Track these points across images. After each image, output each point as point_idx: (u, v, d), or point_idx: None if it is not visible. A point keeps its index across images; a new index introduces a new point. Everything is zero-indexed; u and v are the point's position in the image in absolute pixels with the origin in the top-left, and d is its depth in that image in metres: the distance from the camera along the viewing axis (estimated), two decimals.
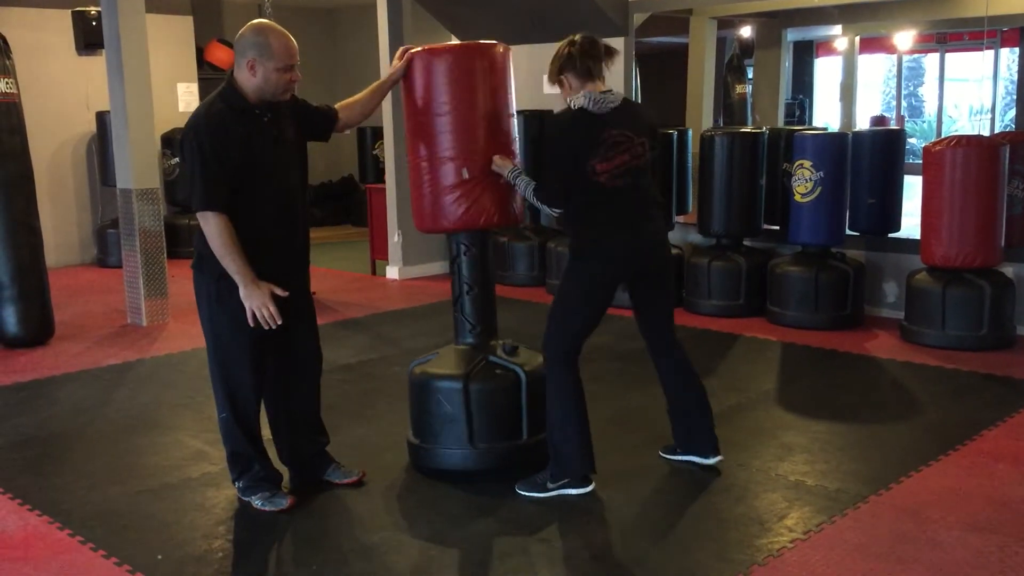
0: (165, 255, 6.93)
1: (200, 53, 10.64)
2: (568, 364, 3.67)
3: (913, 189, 6.95)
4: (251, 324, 3.41)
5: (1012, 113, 15.49)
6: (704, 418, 3.92)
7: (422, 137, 3.79)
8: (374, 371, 5.62)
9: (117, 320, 7.01)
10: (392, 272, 8.55)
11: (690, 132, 7.61)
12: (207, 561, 3.28)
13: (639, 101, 8.71)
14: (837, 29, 14.00)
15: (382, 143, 8.99)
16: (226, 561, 3.29)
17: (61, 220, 9.55)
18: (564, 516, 3.55)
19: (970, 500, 3.64)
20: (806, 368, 5.60)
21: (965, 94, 16.58)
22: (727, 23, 12.95)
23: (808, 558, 3.20)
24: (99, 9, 7.04)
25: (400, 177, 8.27)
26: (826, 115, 16.00)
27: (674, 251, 6.77)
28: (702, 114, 11.98)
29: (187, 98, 10.30)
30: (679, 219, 7.47)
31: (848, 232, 6.66)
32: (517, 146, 3.92)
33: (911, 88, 18.54)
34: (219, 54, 10.67)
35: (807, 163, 6.28)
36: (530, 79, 7.68)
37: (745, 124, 12.39)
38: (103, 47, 7.00)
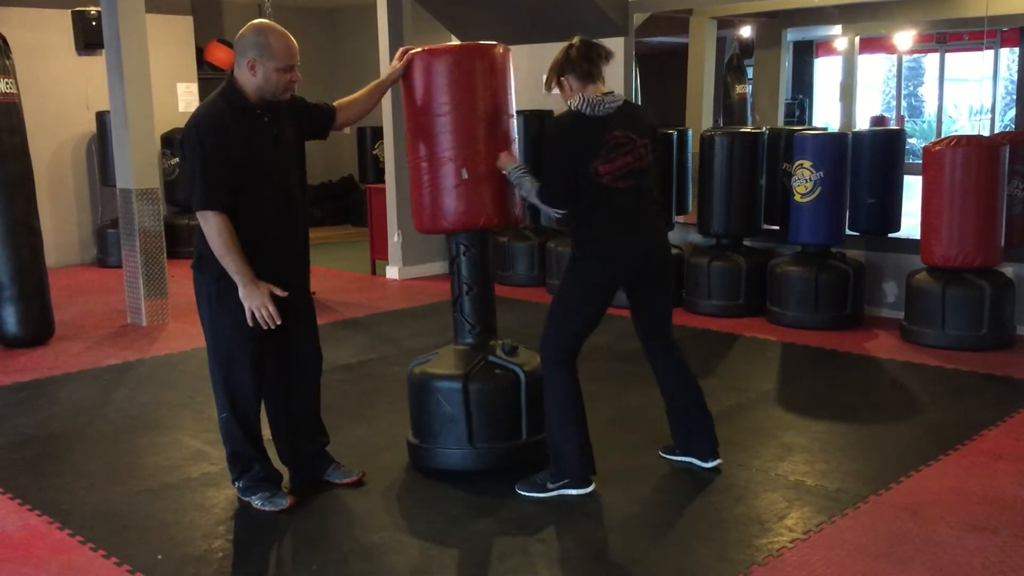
0: (165, 255, 6.93)
1: (200, 53, 10.64)
2: (566, 365, 3.67)
3: (913, 189, 6.95)
4: (250, 324, 3.41)
5: (1012, 113, 15.49)
6: (703, 420, 3.92)
7: (422, 137, 3.79)
8: (374, 371, 5.62)
9: (117, 320, 7.01)
10: (392, 272, 8.55)
11: (690, 132, 7.61)
12: (207, 561, 3.28)
13: (639, 101, 8.72)
14: (837, 29, 14.00)
15: (382, 143, 8.99)
16: (226, 561, 3.29)
17: (61, 220, 9.55)
18: (564, 516, 3.55)
19: (970, 500, 3.64)
20: (806, 368, 5.60)
21: (965, 94, 16.58)
22: (727, 23, 12.95)
23: (808, 558, 3.20)
24: (99, 9, 7.04)
25: (400, 177, 8.27)
26: (826, 115, 16.00)
27: (674, 251, 6.80)
28: (702, 114, 11.98)
29: (187, 98, 10.30)
30: (679, 219, 7.47)
31: (848, 232, 6.66)
32: (516, 147, 3.92)
33: (911, 88, 18.54)
34: (219, 54, 10.68)
35: (807, 163, 6.28)
36: (530, 79, 7.66)
37: (745, 124, 12.39)
38: (103, 47, 7.00)
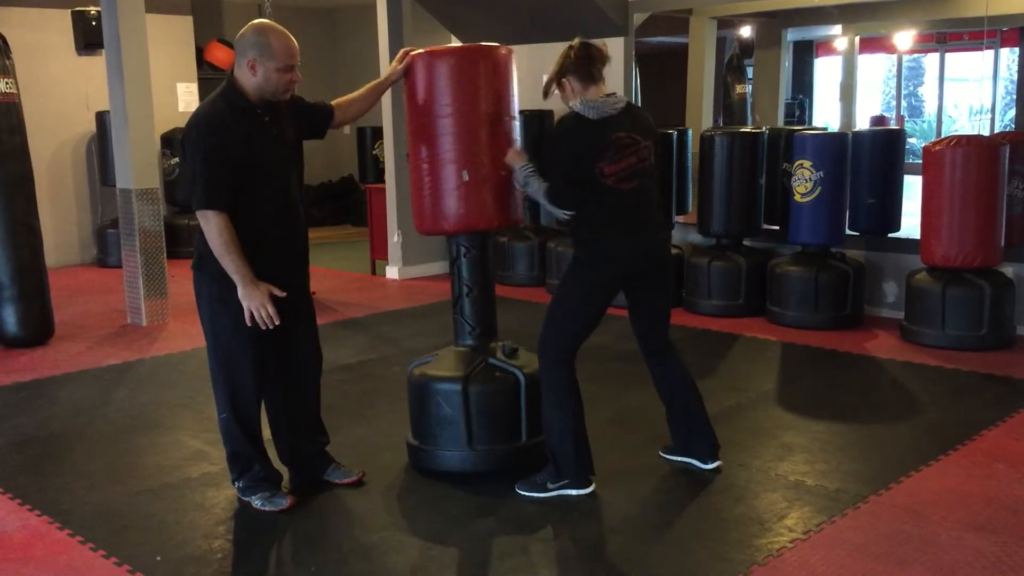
0: (165, 255, 6.93)
1: (200, 53, 10.64)
2: (565, 365, 3.67)
3: (913, 189, 6.95)
4: (249, 324, 3.41)
5: (1012, 113, 15.48)
6: (702, 421, 3.92)
7: (423, 139, 3.78)
8: (374, 371, 5.62)
9: (117, 320, 7.01)
10: (392, 272, 8.55)
11: (690, 132, 7.61)
12: (207, 561, 3.28)
13: (639, 101, 8.72)
14: (837, 29, 13.99)
15: (382, 143, 8.99)
16: (226, 561, 3.29)
17: (61, 220, 9.55)
18: (564, 516, 3.55)
19: (970, 500, 3.64)
20: (806, 368, 5.60)
21: (965, 94, 16.57)
22: (727, 23, 12.94)
23: (808, 558, 3.20)
24: (99, 9, 7.04)
25: (400, 177, 8.27)
26: (826, 115, 15.99)
27: (674, 251, 6.81)
28: (702, 114, 11.97)
29: (187, 98, 10.30)
30: (679, 219, 7.47)
31: (848, 232, 6.66)
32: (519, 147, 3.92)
33: (911, 88, 18.53)
34: (219, 54, 10.68)
35: (807, 163, 6.28)
36: (530, 79, 7.66)
37: (745, 124, 12.38)
38: (103, 47, 7.00)
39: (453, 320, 3.99)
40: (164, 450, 4.36)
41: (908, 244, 6.53)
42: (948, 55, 15.76)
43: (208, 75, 10.51)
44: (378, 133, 10.01)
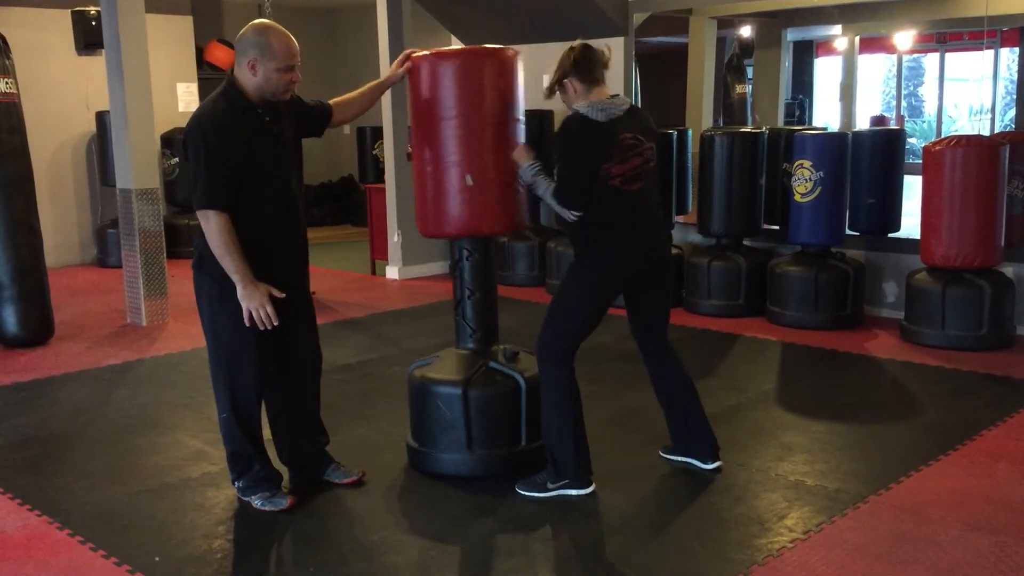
0: (165, 255, 6.93)
1: (200, 53, 10.64)
2: (564, 365, 3.67)
3: (913, 189, 6.95)
4: (247, 324, 3.41)
5: (1012, 113, 15.49)
6: (702, 421, 3.93)
7: (427, 141, 3.75)
8: (374, 371, 5.62)
9: (117, 320, 7.01)
10: (392, 272, 8.55)
11: (690, 132, 7.61)
12: (207, 561, 3.28)
13: (639, 101, 8.72)
14: (837, 29, 14.00)
15: (382, 143, 8.99)
16: (226, 561, 3.29)
17: (61, 220, 9.55)
18: (564, 516, 3.55)
19: (970, 500, 3.64)
20: (806, 368, 5.60)
21: (965, 94, 16.57)
22: (727, 23, 12.95)
23: (808, 558, 3.20)
24: (99, 9, 7.04)
25: (400, 177, 8.27)
26: (826, 115, 15.99)
27: (674, 251, 6.80)
28: (702, 114, 11.98)
29: (187, 98, 10.30)
30: (679, 219, 7.47)
31: (848, 232, 6.66)
32: None
33: (911, 88, 18.54)
34: (219, 54, 10.68)
35: (807, 163, 6.28)
36: (530, 79, 7.63)
37: (745, 124, 12.38)
38: (103, 47, 7.00)
39: (455, 322, 3.99)
40: (164, 450, 4.36)
41: (908, 244, 6.53)
42: (948, 55, 15.77)
43: (208, 75, 10.51)
44: (378, 133, 10.00)
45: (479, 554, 3.32)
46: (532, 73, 7.65)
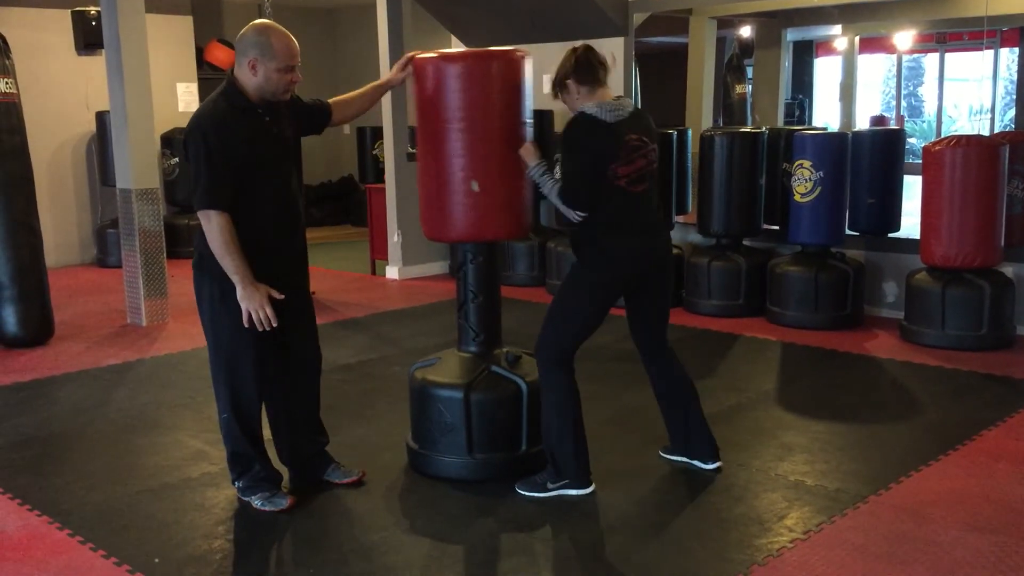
0: (165, 255, 6.93)
1: (200, 53, 10.64)
2: (565, 366, 3.67)
3: (913, 189, 6.95)
4: (246, 325, 3.41)
5: (1012, 113, 15.48)
6: (701, 422, 3.93)
7: (433, 145, 3.71)
8: (374, 371, 5.62)
9: (117, 320, 7.01)
10: (392, 272, 8.55)
11: (690, 132, 7.61)
12: (207, 561, 3.28)
13: (639, 101, 8.71)
14: (837, 29, 13.99)
15: (382, 143, 8.99)
16: (226, 561, 3.29)
17: (61, 220, 9.55)
18: (564, 516, 3.56)
19: (970, 500, 3.64)
20: (806, 368, 5.60)
21: (965, 94, 16.57)
22: (727, 23, 12.94)
23: (808, 558, 3.20)
24: (99, 9, 7.03)
25: (400, 177, 8.27)
26: (826, 115, 15.99)
27: (674, 251, 6.80)
28: (702, 114, 11.97)
29: (187, 98, 10.30)
30: (679, 219, 7.47)
31: (848, 232, 6.66)
32: None
33: (911, 88, 18.53)
34: (219, 54, 10.68)
35: (807, 163, 6.29)
36: (530, 79, 7.67)
37: (745, 124, 12.38)
38: (103, 47, 7.00)
39: (457, 324, 3.98)
40: (164, 450, 4.36)
41: (908, 244, 6.53)
42: (948, 55, 15.76)
43: (208, 75, 10.51)
44: (378, 133, 10.00)
45: (479, 554, 3.32)
46: (533, 73, 7.67)
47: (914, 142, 15.19)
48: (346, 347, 6.09)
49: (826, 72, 16.44)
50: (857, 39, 14.53)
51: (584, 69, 3.62)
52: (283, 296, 3.45)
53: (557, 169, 3.67)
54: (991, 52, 14.60)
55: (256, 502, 3.64)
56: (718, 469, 3.92)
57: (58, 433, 4.65)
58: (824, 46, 15.94)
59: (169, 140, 9.71)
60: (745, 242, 6.98)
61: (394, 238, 8.43)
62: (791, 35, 13.99)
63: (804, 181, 6.30)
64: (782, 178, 6.95)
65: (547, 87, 3.84)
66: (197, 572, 3.20)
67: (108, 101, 6.91)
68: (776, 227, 7.07)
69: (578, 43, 3.71)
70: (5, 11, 8.91)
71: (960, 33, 14.71)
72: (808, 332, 6.23)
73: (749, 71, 13.59)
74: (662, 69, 14.09)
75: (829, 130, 7.80)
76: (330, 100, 3.81)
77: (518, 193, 3.80)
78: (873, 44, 15.71)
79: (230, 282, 3.40)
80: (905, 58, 16.97)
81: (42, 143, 8.90)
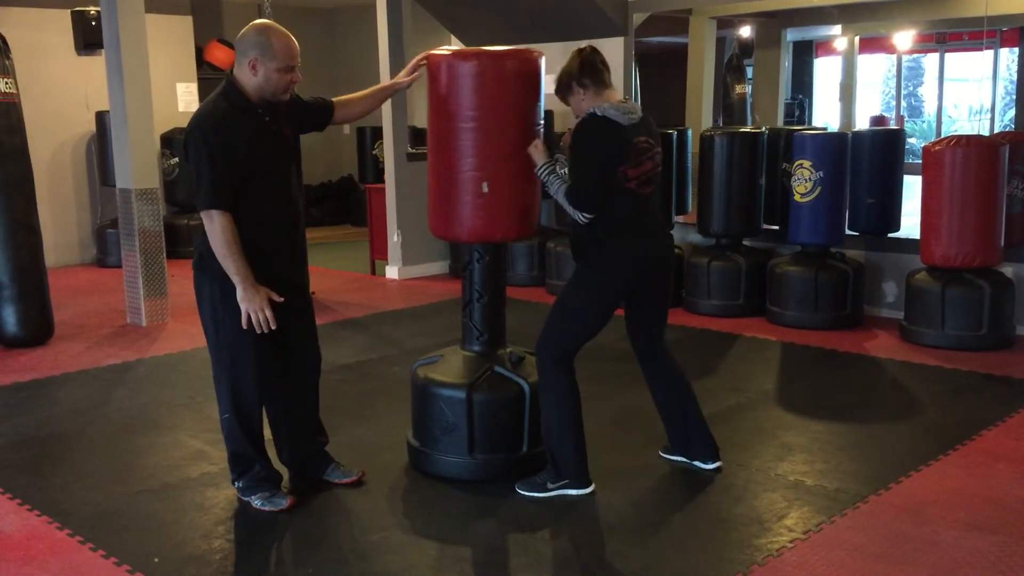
0: (164, 255, 6.92)
1: (200, 53, 10.64)
2: (565, 366, 3.67)
3: (913, 189, 6.95)
4: (244, 327, 3.41)
5: (1012, 113, 15.48)
6: (700, 423, 3.93)
7: (444, 145, 3.70)
8: (374, 371, 5.62)
9: (117, 320, 7.01)
10: (392, 272, 8.55)
11: (690, 132, 7.61)
12: (207, 561, 3.28)
13: (639, 101, 8.71)
14: (837, 29, 13.99)
15: (381, 143, 8.99)
16: (226, 561, 3.29)
17: (61, 220, 9.55)
18: (564, 516, 3.56)
19: (970, 500, 3.64)
20: (806, 368, 5.60)
21: (965, 94, 16.57)
22: (727, 23, 12.94)
23: (807, 558, 3.21)
24: (99, 9, 7.03)
25: (400, 177, 8.27)
26: (826, 115, 15.98)
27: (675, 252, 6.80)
28: (702, 114, 11.96)
29: (187, 98, 10.30)
30: (679, 219, 7.47)
31: (848, 232, 6.66)
32: None
33: (911, 88, 18.53)
34: (218, 54, 10.68)
35: (807, 163, 6.29)
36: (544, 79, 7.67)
37: (745, 124, 12.38)
38: (103, 47, 6.99)
39: (462, 323, 3.97)
40: (164, 450, 4.36)
41: (908, 244, 6.53)
42: (948, 55, 15.76)
43: (208, 75, 10.51)
44: (378, 133, 10.00)
45: (479, 554, 3.32)
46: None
47: (914, 142, 15.19)
48: (346, 347, 6.09)
49: (826, 72, 16.44)
50: (857, 39, 14.53)
51: (590, 70, 3.61)
52: (283, 299, 3.45)
53: (560, 168, 3.67)
54: (991, 52, 14.59)
55: (256, 502, 3.64)
56: (718, 469, 3.92)
57: (58, 433, 4.65)
58: (824, 46, 15.94)
59: (169, 140, 9.71)
60: (745, 242, 6.98)
61: (394, 238, 8.43)
62: (791, 35, 13.99)
63: (804, 181, 6.30)
64: (782, 178, 6.95)
65: (548, 87, 3.82)
66: (197, 572, 3.20)
67: (108, 101, 6.91)
68: (776, 227, 7.07)
69: (583, 44, 3.70)
70: (5, 11, 8.91)
71: (960, 33, 14.70)
72: (808, 332, 6.23)
73: (749, 71, 13.59)
74: (662, 69, 14.09)
75: (829, 130, 7.79)
76: (334, 99, 3.81)
77: (528, 194, 3.79)
78: (873, 44, 15.71)
79: (231, 282, 3.40)
80: (905, 58, 16.97)
81: (42, 143, 8.90)
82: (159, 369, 5.74)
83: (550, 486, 3.69)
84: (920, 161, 6.26)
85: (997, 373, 5.29)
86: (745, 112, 13.10)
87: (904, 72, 17.58)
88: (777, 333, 6.27)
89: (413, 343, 6.17)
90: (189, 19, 10.41)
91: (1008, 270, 5.97)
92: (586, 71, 3.61)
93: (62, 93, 9.44)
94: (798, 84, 15.83)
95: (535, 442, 3.81)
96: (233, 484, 3.73)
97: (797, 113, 15.01)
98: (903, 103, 17.87)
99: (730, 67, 13.14)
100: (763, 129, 7.11)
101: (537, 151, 3.69)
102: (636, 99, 8.71)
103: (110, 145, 7.68)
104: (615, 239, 3.62)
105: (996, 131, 12.99)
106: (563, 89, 3.67)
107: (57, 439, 4.57)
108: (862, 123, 14.66)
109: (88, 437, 4.58)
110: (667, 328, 3.95)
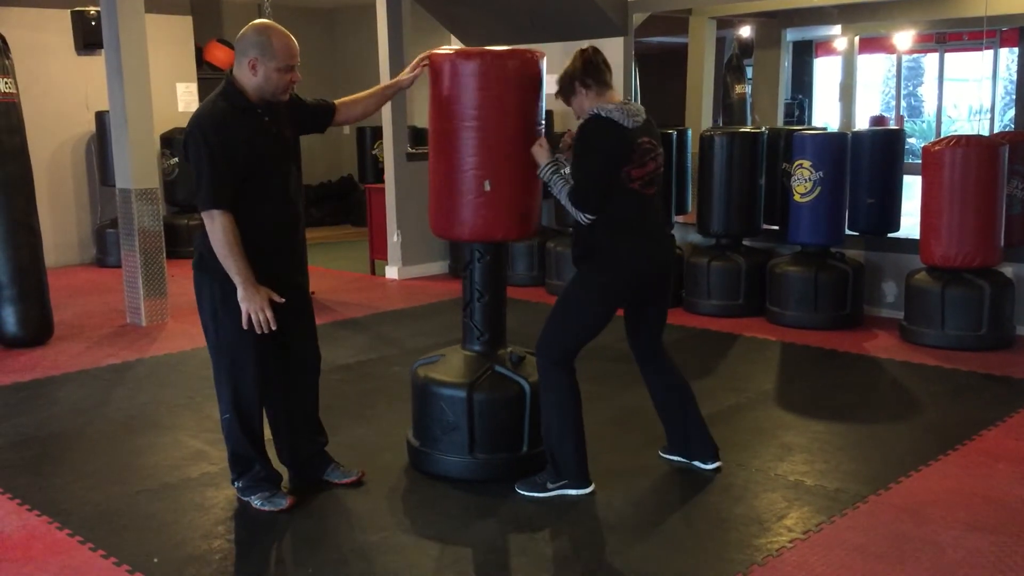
0: (164, 255, 6.92)
1: (199, 53, 10.64)
2: (566, 366, 3.66)
3: (913, 189, 6.95)
4: (245, 327, 3.41)
5: (1011, 113, 15.48)
6: (700, 423, 3.93)
7: (446, 144, 3.70)
8: (373, 371, 5.62)
9: (116, 320, 7.01)
10: (391, 272, 8.55)
11: (690, 132, 7.62)
12: (207, 561, 3.28)
13: (638, 101, 8.72)
14: (837, 29, 13.99)
15: (381, 143, 8.99)
16: (225, 561, 3.29)
17: (61, 220, 9.55)
18: (564, 516, 3.56)
19: (970, 500, 3.64)
20: (806, 368, 5.60)
21: (964, 94, 16.57)
22: (727, 23, 12.94)
23: (807, 558, 3.21)
24: (99, 9, 7.04)
25: (399, 177, 8.27)
26: (825, 115, 15.99)
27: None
28: (702, 114, 11.96)
29: (186, 98, 10.30)
30: (679, 219, 7.47)
31: (848, 232, 6.66)
32: None
33: (910, 88, 18.53)
34: (218, 54, 10.68)
35: (806, 163, 6.29)
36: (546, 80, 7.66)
37: (745, 124, 12.38)
38: (103, 47, 6.99)
39: (462, 323, 3.97)
40: (164, 450, 4.36)
41: (908, 244, 6.53)
42: (948, 55, 15.76)
43: (208, 75, 10.51)
44: (378, 133, 10.00)
45: (479, 554, 3.31)
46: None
47: (914, 142, 15.19)
48: (346, 347, 6.09)
49: (826, 72, 16.44)
50: (857, 39, 14.53)
51: (593, 70, 3.61)
52: (284, 300, 3.45)
53: (563, 168, 3.67)
54: (991, 52, 14.60)
55: (256, 502, 3.64)
56: (718, 469, 3.92)
57: (58, 433, 4.65)
58: (824, 46, 15.94)
59: (169, 140, 9.71)
60: (745, 242, 6.98)
61: (394, 238, 8.43)
62: (791, 35, 13.99)
63: (804, 181, 6.30)
64: (782, 178, 6.95)
65: (549, 88, 3.82)
66: (197, 572, 3.20)
67: (108, 101, 6.91)
68: (776, 227, 7.07)
69: (583, 44, 3.70)
70: (5, 11, 8.91)
71: (960, 33, 14.70)
72: (808, 332, 6.23)
73: (749, 71, 13.59)
74: (662, 69, 14.08)
75: (829, 130, 7.80)
76: (336, 101, 3.81)
77: (529, 194, 3.79)
78: (873, 44, 15.71)
79: (231, 282, 3.40)
80: (905, 58, 16.98)
81: (42, 143, 8.91)
82: (159, 369, 5.74)
83: (550, 486, 3.69)
84: (920, 161, 6.26)
85: (997, 373, 5.29)
86: (745, 112, 13.10)
87: (904, 72, 17.59)
88: (777, 333, 6.27)
89: (413, 343, 6.17)
90: (189, 19, 10.41)
91: (1008, 270, 5.97)
92: (589, 71, 3.61)
93: (62, 93, 9.44)
94: (798, 84, 15.83)
95: (535, 442, 3.81)
96: (233, 484, 3.73)
97: (797, 113, 15.01)
98: (903, 103, 17.87)
99: (730, 67, 13.14)
100: (763, 129, 7.11)
101: (541, 151, 3.68)
102: (636, 99, 8.71)
103: (110, 145, 7.68)
104: (617, 240, 3.61)
105: (996, 131, 12.99)
106: (565, 89, 3.67)
107: (57, 439, 4.57)
108: (862, 123, 14.66)
109: (88, 437, 4.58)
110: (666, 328, 3.95)
